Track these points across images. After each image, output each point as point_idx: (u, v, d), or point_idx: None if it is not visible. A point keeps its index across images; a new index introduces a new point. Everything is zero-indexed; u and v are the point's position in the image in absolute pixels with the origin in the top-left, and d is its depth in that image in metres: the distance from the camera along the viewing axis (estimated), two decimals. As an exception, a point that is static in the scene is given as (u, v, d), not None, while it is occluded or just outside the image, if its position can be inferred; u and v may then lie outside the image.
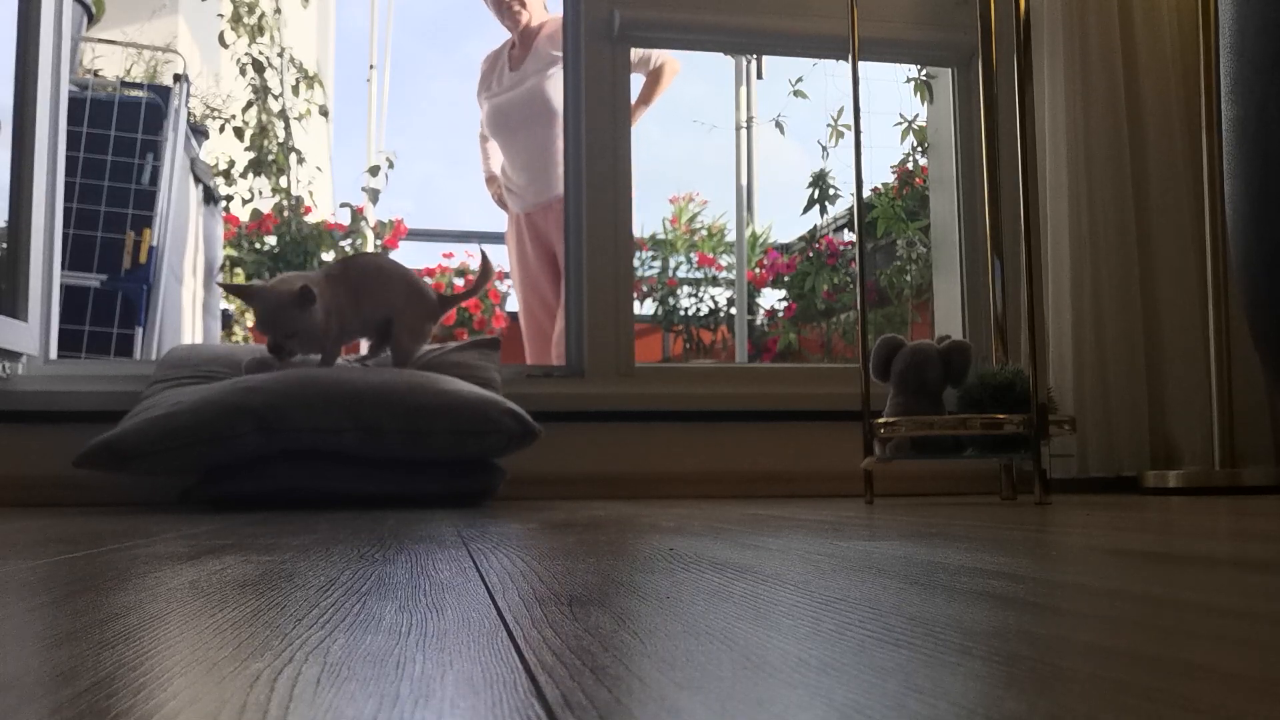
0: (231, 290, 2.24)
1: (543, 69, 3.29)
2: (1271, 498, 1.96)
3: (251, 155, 4.35)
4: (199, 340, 3.54)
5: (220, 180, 4.21)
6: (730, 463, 2.51)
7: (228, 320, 4.17)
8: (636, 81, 3.33)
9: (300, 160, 4.46)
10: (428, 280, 3.73)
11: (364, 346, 2.36)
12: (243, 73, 4.36)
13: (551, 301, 3.41)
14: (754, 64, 4.58)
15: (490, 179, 3.62)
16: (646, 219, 5.62)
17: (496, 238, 5.00)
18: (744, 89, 4.69)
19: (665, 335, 5.01)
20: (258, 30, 4.33)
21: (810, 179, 4.60)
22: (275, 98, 4.42)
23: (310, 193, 4.71)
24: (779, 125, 4.43)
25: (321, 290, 2.09)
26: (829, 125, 4.14)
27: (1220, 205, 2.38)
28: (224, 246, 4.16)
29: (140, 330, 2.98)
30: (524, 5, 3.35)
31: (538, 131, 3.30)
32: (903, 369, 2.01)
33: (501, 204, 3.57)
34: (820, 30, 2.65)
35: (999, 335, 2.19)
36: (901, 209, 4.31)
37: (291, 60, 4.49)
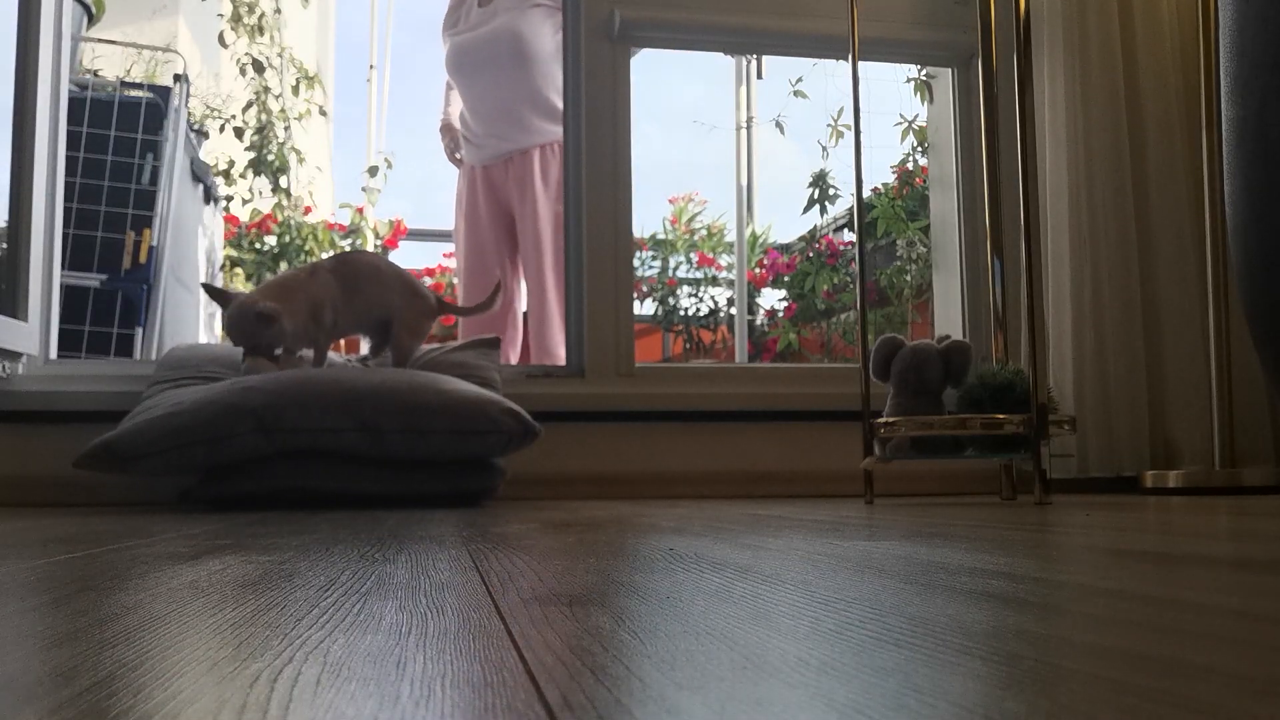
0: (210, 293, 2.23)
1: (515, 5, 2.97)
2: (1271, 498, 1.96)
3: (251, 155, 4.35)
4: (198, 340, 3.54)
5: (220, 180, 4.21)
6: (730, 463, 2.51)
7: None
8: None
9: (300, 160, 4.46)
10: (426, 281, 3.72)
11: (364, 346, 2.36)
12: (243, 73, 4.37)
13: (495, 269, 3.08)
14: (754, 64, 4.58)
15: (446, 127, 3.26)
16: (646, 219, 5.63)
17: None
18: (744, 89, 4.69)
19: (665, 335, 5.01)
20: (258, 30, 4.34)
21: (810, 179, 4.61)
22: (275, 98, 4.42)
23: (310, 193, 4.71)
24: (779, 125, 4.44)
25: (311, 284, 2.11)
26: (829, 125, 4.15)
27: (1220, 205, 2.38)
28: (224, 246, 4.16)
29: (140, 330, 2.98)
30: None
31: (503, 76, 2.99)
32: (903, 369, 2.01)
33: (453, 156, 3.22)
34: (820, 30, 2.65)
35: (999, 335, 2.19)
36: (901, 209, 4.31)
37: (291, 60, 4.49)
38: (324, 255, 4.38)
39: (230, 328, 2.09)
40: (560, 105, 2.92)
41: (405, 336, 2.23)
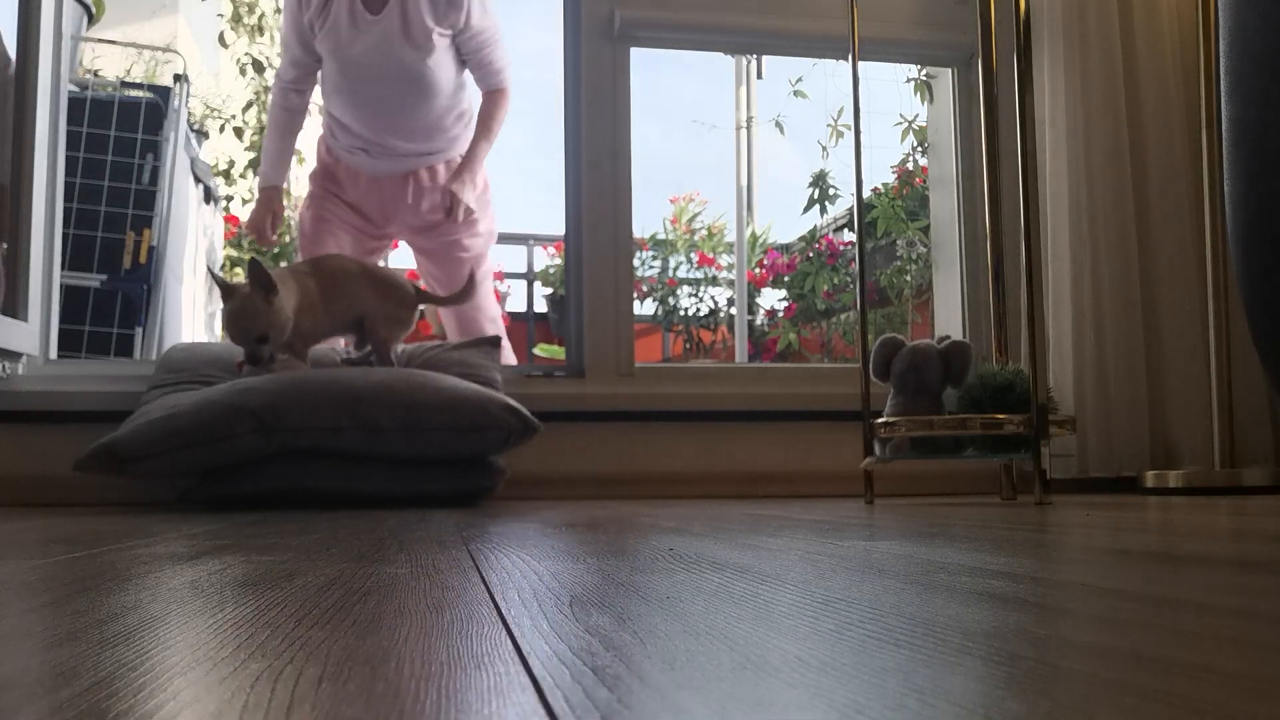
0: (217, 282, 2.14)
1: (420, 44, 2.52)
2: (1271, 498, 1.96)
3: (251, 155, 4.35)
4: (198, 340, 3.54)
5: (220, 180, 4.21)
6: (730, 463, 2.51)
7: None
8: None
9: (300, 160, 4.46)
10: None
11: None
12: (243, 73, 4.37)
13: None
14: (754, 64, 4.58)
15: (270, 193, 2.68)
16: (646, 219, 5.63)
17: (498, 237, 5.00)
18: (744, 89, 4.70)
19: (665, 335, 5.01)
20: (257, 30, 4.34)
21: (810, 179, 4.62)
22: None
23: (310, 193, 4.70)
24: (779, 125, 4.44)
25: (290, 287, 2.08)
26: (829, 125, 4.16)
27: (1220, 205, 2.38)
28: (224, 246, 4.16)
29: (140, 330, 2.98)
30: None
31: (405, 109, 2.62)
32: (903, 369, 2.01)
33: (264, 232, 2.67)
34: (820, 30, 2.65)
35: (999, 335, 2.19)
36: (901, 209, 4.31)
37: (291, 60, 4.49)
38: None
39: (231, 318, 2.00)
40: (461, 122, 2.69)
41: (385, 329, 2.21)
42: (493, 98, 2.67)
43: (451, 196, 2.59)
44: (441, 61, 2.58)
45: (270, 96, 2.72)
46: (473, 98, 2.73)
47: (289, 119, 2.72)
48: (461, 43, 2.57)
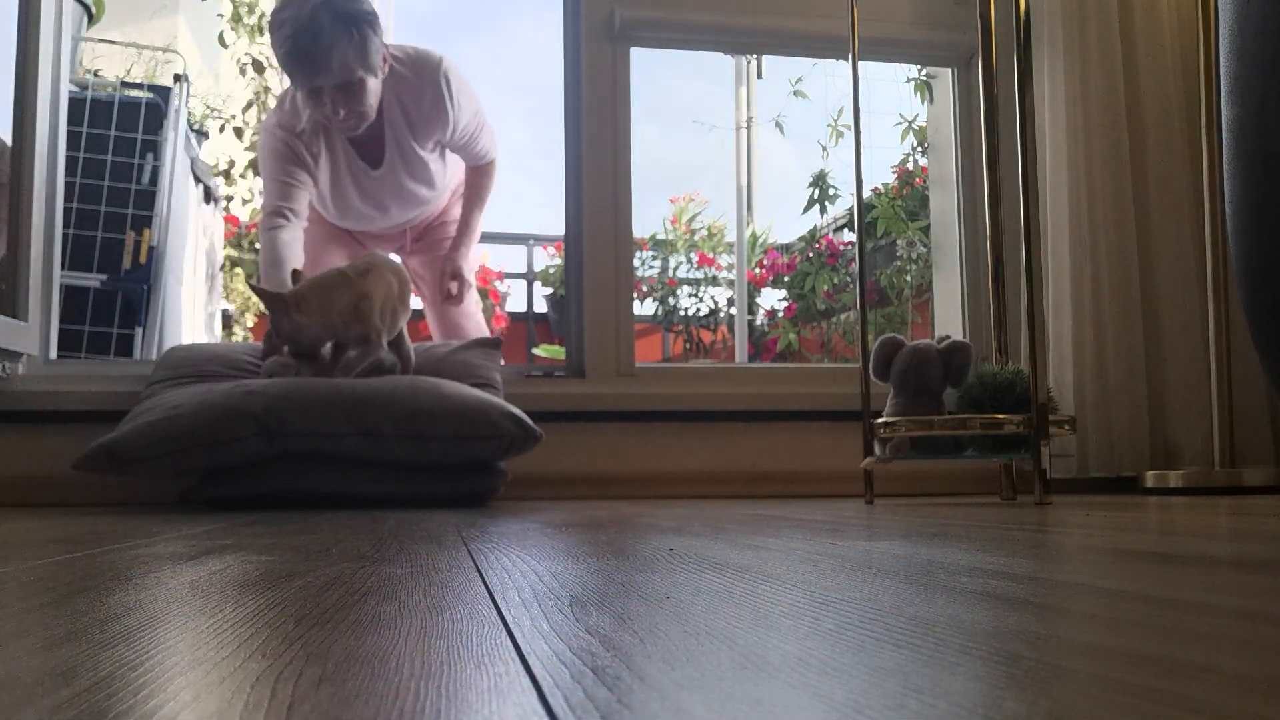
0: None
1: (424, 179, 2.53)
2: (1271, 498, 1.96)
3: (251, 155, 4.35)
4: (198, 340, 3.54)
5: (220, 180, 4.21)
6: (730, 463, 2.51)
7: (228, 320, 4.17)
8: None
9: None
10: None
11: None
12: (242, 73, 4.36)
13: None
14: (754, 64, 4.58)
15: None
16: (646, 219, 5.63)
17: (498, 238, 5.00)
18: (744, 89, 4.70)
19: (665, 335, 5.01)
20: (258, 30, 4.33)
21: (810, 179, 4.62)
22: (275, 97, 4.41)
23: (310, 193, 4.69)
24: (779, 125, 4.45)
25: (361, 281, 2.07)
26: (829, 125, 4.17)
27: (1220, 205, 2.38)
28: (224, 246, 4.16)
29: (140, 330, 2.98)
30: (364, 105, 2.29)
31: (408, 211, 2.64)
32: (903, 369, 2.02)
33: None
34: (820, 30, 2.65)
35: (999, 335, 2.19)
36: (901, 209, 4.31)
37: (291, 60, 4.48)
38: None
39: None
40: (453, 179, 2.68)
41: (401, 351, 2.23)
42: (482, 169, 2.63)
43: (455, 277, 2.59)
44: (433, 170, 2.56)
45: (260, 226, 2.39)
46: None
47: (292, 238, 2.35)
48: (449, 144, 2.53)
